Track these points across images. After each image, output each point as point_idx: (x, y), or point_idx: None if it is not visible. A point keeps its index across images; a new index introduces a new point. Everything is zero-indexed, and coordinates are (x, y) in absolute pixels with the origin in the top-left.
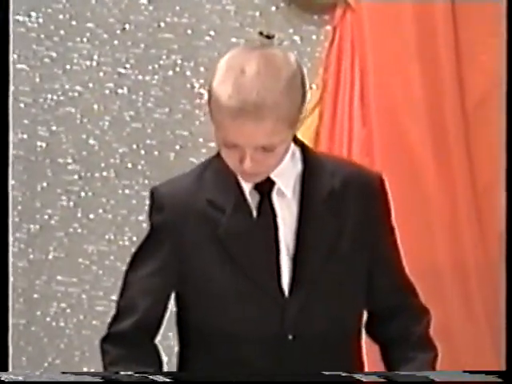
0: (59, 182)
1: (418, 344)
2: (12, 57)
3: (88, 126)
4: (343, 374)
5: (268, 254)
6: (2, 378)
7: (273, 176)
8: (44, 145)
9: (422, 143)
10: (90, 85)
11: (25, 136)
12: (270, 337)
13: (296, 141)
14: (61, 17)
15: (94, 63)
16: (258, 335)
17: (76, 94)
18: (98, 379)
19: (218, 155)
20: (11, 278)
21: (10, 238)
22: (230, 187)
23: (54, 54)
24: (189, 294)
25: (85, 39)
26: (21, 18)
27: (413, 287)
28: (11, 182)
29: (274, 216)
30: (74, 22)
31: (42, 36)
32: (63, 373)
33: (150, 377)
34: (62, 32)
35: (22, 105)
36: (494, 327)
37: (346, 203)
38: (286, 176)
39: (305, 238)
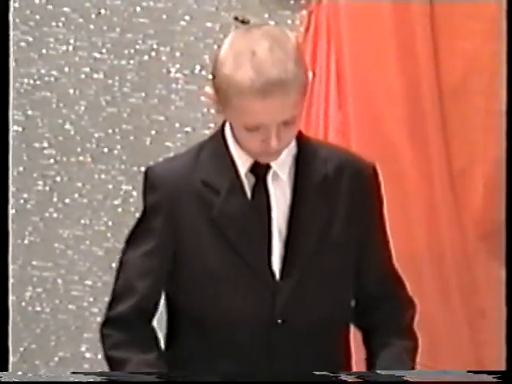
0: (35, 167)
1: (399, 332)
2: None
3: (64, 111)
4: (319, 374)
5: (261, 237)
6: (2, 379)
7: None
8: (20, 129)
9: (398, 128)
10: (66, 69)
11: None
12: (260, 320)
13: None
14: (36, 1)
15: (70, 48)
16: (248, 318)
17: (52, 79)
18: (98, 379)
19: (213, 137)
20: None
21: None
22: (225, 169)
23: (30, 39)
24: (181, 275)
25: (60, 24)
26: None
27: (400, 278)
28: None
29: (269, 199)
30: (49, 7)
31: (18, 20)
32: (73, 373)
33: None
34: (37, 16)
35: None
36: (470, 315)
37: (338, 189)
38: (282, 160)
39: (297, 222)
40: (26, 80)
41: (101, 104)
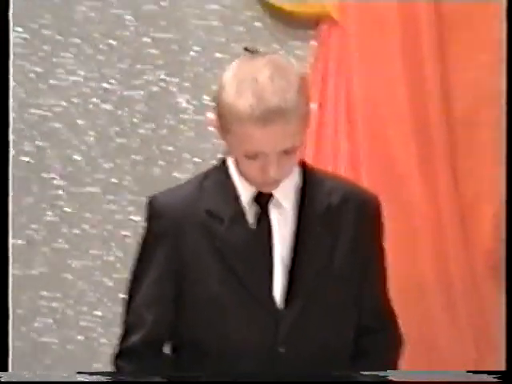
0: (45, 197)
1: (385, 366)
2: None
3: (73, 142)
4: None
5: (264, 266)
6: (2, 379)
7: None
8: (30, 160)
9: (407, 160)
10: (75, 100)
11: (11, 151)
12: (262, 348)
13: None
14: (46, 32)
15: (80, 78)
16: (250, 346)
17: (61, 110)
18: (99, 379)
19: (217, 166)
20: None
21: None
22: (228, 198)
23: (39, 69)
24: (184, 302)
25: (70, 54)
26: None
27: (393, 311)
28: None
29: (271, 228)
30: (59, 37)
31: (27, 51)
32: (79, 373)
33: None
34: (47, 47)
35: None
36: (479, 340)
37: (342, 220)
38: (285, 189)
39: (300, 251)
40: (35, 111)
41: (110, 134)
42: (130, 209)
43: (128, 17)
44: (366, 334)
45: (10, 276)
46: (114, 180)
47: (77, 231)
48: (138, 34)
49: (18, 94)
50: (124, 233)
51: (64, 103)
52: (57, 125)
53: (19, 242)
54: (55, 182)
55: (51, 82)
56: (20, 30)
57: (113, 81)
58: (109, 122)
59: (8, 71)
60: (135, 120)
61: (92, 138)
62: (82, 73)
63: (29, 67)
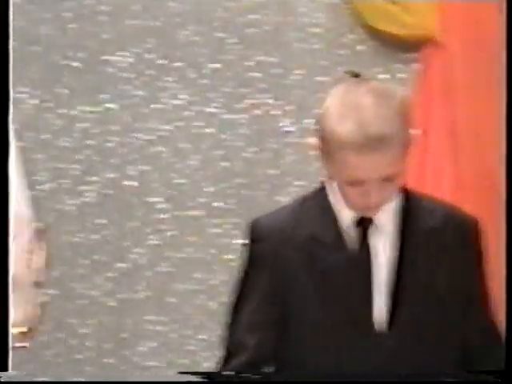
0: (149, 221)
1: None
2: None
3: (177, 165)
4: None
5: (364, 289)
6: (2, 379)
7: None
8: (134, 184)
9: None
10: (179, 124)
11: (115, 175)
12: (363, 372)
13: None
14: (150, 56)
15: (183, 102)
16: (350, 369)
17: (165, 134)
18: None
19: (317, 189)
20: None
21: (99, 278)
22: (329, 222)
23: (144, 93)
24: (286, 325)
25: (174, 78)
26: (110, 58)
27: (500, 333)
28: (102, 220)
29: (372, 252)
30: (162, 61)
31: (132, 76)
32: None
33: None
34: (151, 71)
35: (110, 144)
36: None
37: (442, 243)
38: (385, 213)
39: (402, 275)
40: (139, 135)
41: (214, 158)
42: (234, 232)
43: (232, 40)
44: (474, 357)
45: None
46: (217, 204)
47: (181, 255)
48: (242, 58)
49: (122, 118)
50: (228, 256)
51: (168, 127)
52: (160, 149)
53: (124, 265)
54: (159, 206)
55: (155, 106)
56: (124, 54)
57: (216, 104)
58: (212, 146)
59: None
60: (239, 143)
61: (196, 162)
62: (186, 97)
63: (133, 91)
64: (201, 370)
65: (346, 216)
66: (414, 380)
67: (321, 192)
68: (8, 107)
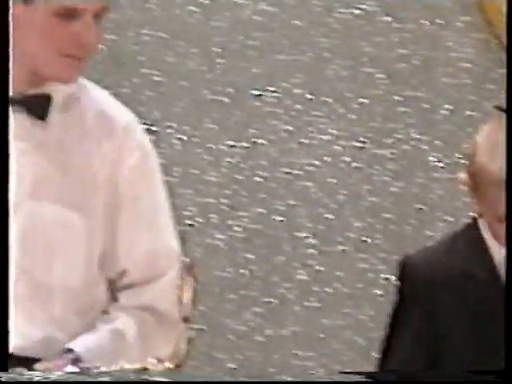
0: (296, 256)
1: None
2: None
3: (325, 200)
4: None
5: None
6: (2, 379)
7: None
8: (281, 219)
9: None
10: (327, 159)
11: (263, 210)
12: None
13: None
14: (297, 91)
15: (331, 137)
16: None
17: (313, 168)
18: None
19: (468, 225)
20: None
21: (247, 313)
22: (482, 259)
23: (292, 128)
24: (435, 363)
25: (322, 113)
26: (258, 93)
27: None
28: (250, 255)
29: None
30: (310, 97)
31: (280, 111)
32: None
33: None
34: (298, 106)
35: (258, 179)
36: None
37: None
38: None
39: None
40: (286, 169)
41: (361, 193)
42: (382, 267)
43: (379, 75)
44: None
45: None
46: (365, 238)
47: (328, 290)
48: (390, 93)
49: (270, 153)
50: (376, 291)
51: (316, 162)
52: (309, 183)
53: (271, 300)
54: (307, 241)
55: (304, 141)
56: (273, 88)
57: (364, 139)
58: (360, 181)
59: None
60: (386, 178)
61: (343, 197)
62: (334, 131)
63: (281, 126)
64: None
65: (499, 251)
66: (414, 380)
67: (472, 227)
68: (8, 106)
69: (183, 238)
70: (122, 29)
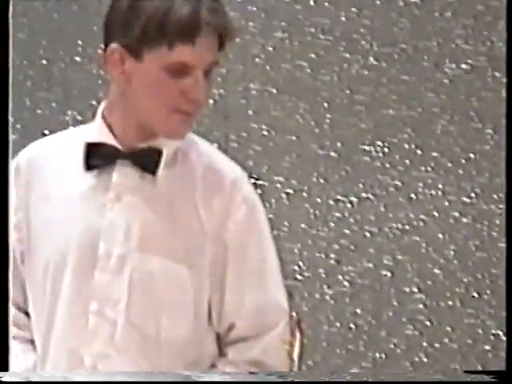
0: (404, 311)
1: None
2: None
3: (433, 255)
4: None
5: None
6: (2, 379)
7: None
8: (389, 274)
9: None
10: (435, 213)
11: (370, 265)
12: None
13: None
14: (406, 146)
15: (439, 192)
16: None
17: (421, 223)
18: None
19: None
20: None
21: (354, 368)
22: None
23: (399, 183)
24: None
25: (429, 168)
26: (366, 148)
27: None
28: (357, 310)
29: None
30: (418, 151)
31: (387, 165)
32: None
33: None
34: (406, 161)
35: (366, 233)
36: None
37: None
38: None
39: None
40: (394, 224)
41: (470, 248)
42: (490, 323)
43: (488, 130)
44: None
45: None
46: (474, 294)
47: (437, 345)
48: (497, 147)
49: (378, 208)
50: (485, 347)
51: (423, 217)
52: (417, 238)
53: (379, 355)
54: (415, 295)
55: (411, 196)
56: (380, 143)
57: (472, 194)
58: (468, 236)
59: None
60: (495, 234)
61: (452, 252)
62: (441, 186)
63: (389, 181)
64: None
65: None
66: (413, 380)
67: None
68: (7, 105)
69: (291, 293)
70: (230, 83)
